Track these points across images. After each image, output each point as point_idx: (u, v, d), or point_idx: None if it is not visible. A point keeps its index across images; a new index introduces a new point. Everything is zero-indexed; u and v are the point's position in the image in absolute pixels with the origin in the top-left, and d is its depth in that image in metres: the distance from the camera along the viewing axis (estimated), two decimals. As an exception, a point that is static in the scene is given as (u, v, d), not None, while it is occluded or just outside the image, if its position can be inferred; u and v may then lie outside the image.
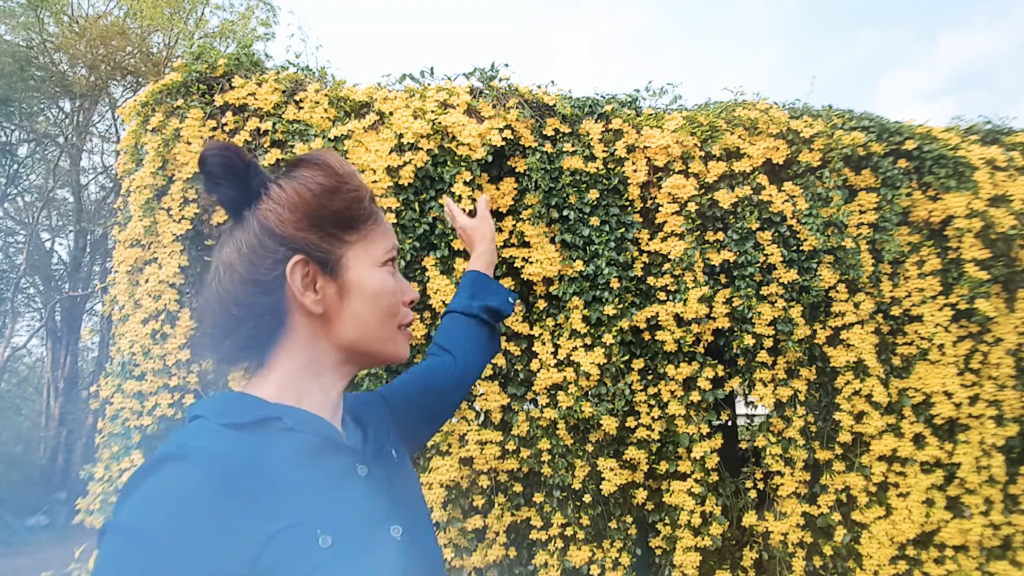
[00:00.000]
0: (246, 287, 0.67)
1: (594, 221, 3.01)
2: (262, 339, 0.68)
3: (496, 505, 2.83)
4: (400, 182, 2.85)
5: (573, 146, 3.08)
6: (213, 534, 0.52)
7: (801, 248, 3.15)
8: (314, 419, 0.66)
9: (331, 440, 0.66)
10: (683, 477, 2.91)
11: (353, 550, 0.59)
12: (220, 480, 0.55)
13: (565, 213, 3.01)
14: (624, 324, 2.93)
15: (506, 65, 3.19)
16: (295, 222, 0.68)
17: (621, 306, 2.96)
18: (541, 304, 3.00)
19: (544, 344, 2.92)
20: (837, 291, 3.18)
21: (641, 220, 3.12)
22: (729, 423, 4.88)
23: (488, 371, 2.90)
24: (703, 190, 3.14)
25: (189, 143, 2.92)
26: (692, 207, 3.06)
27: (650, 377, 2.99)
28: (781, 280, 3.09)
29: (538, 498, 2.86)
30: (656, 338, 2.97)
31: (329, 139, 2.91)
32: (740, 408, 5.20)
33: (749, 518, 3.00)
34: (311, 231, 0.68)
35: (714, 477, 2.92)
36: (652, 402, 2.93)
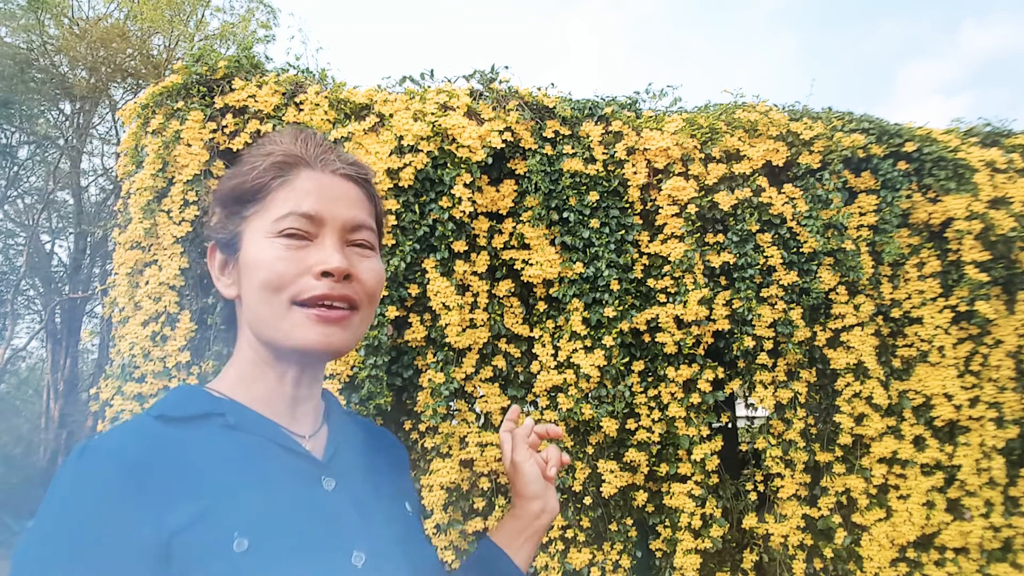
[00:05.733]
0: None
1: (594, 223, 3.01)
2: (233, 329, 0.69)
3: (496, 507, 2.83)
4: (400, 184, 2.85)
5: (573, 148, 3.08)
6: (105, 535, 0.49)
7: (801, 250, 3.15)
8: (261, 420, 0.62)
9: (279, 444, 0.61)
10: (683, 479, 2.91)
11: (281, 561, 0.53)
12: (114, 477, 0.51)
13: (565, 215, 3.01)
14: (624, 326, 2.93)
15: (506, 67, 3.20)
16: (214, 212, 0.68)
17: (621, 308, 2.96)
18: (541, 306, 3.00)
19: (544, 346, 2.92)
20: (837, 293, 3.18)
21: (641, 222, 3.12)
22: (729, 425, 4.87)
23: (488, 373, 2.90)
24: (703, 192, 3.14)
25: (189, 145, 2.92)
26: (692, 209, 3.06)
27: (650, 379, 2.98)
28: (781, 282, 3.09)
29: (538, 500, 2.85)
30: (656, 340, 2.97)
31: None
32: (740, 410, 5.19)
33: (749, 520, 3.00)
34: (219, 215, 0.67)
35: (714, 479, 2.92)
36: (652, 404, 2.93)
